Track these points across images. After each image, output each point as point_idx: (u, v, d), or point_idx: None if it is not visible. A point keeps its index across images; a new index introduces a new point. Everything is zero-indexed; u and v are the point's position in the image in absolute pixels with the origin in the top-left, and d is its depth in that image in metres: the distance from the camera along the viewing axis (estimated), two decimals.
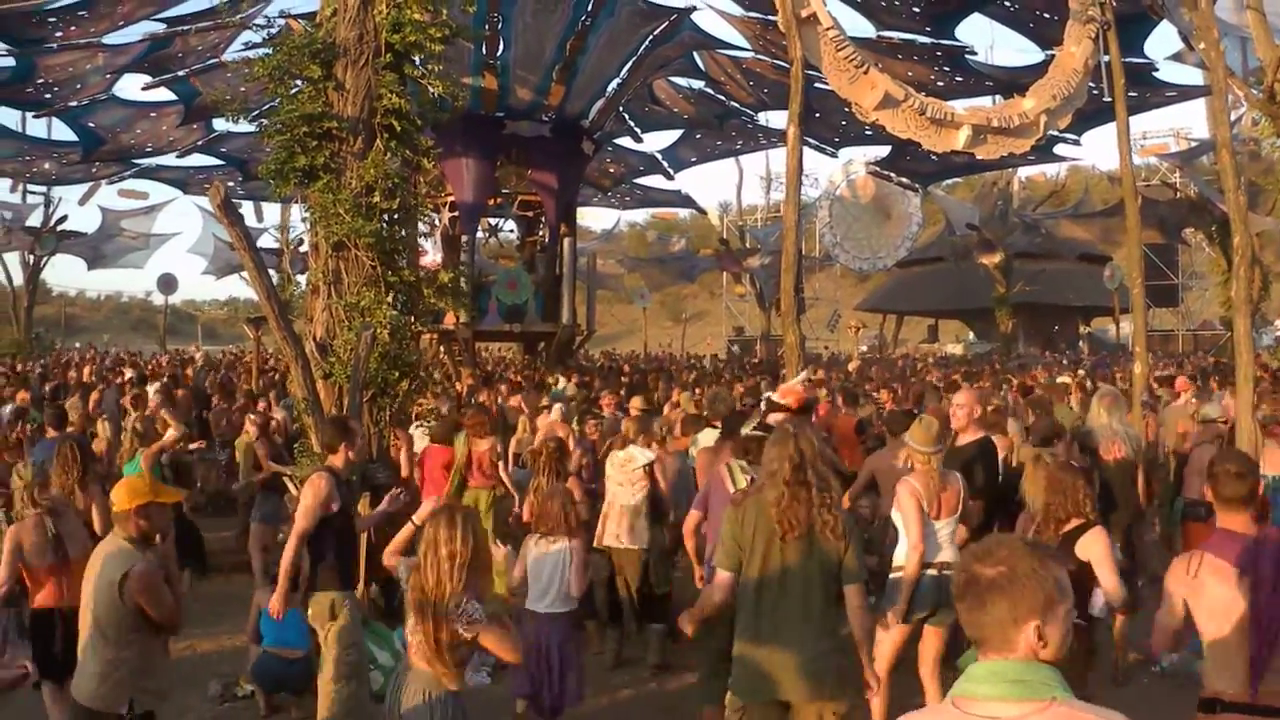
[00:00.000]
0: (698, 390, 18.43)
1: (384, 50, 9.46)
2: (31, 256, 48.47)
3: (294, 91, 9.55)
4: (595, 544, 9.17)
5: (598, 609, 9.63)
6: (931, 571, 6.91)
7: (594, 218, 60.44)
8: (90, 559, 5.42)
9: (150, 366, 30.84)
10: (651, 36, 26.71)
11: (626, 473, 9.24)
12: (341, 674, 6.66)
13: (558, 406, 12.64)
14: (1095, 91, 15.29)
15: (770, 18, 24.36)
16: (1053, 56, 22.21)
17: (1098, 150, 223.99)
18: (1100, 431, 9.55)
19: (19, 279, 50.75)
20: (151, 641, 5.34)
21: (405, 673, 4.73)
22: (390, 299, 9.40)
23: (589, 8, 25.12)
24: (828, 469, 5.30)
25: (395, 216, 9.55)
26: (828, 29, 12.30)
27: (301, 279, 12.40)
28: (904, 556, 7.03)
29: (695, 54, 29.21)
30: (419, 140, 9.72)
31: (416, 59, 9.70)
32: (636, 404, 12.28)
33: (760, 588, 5.19)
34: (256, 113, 11.92)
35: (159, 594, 5.23)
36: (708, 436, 9.62)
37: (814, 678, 5.09)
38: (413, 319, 9.87)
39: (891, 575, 7.17)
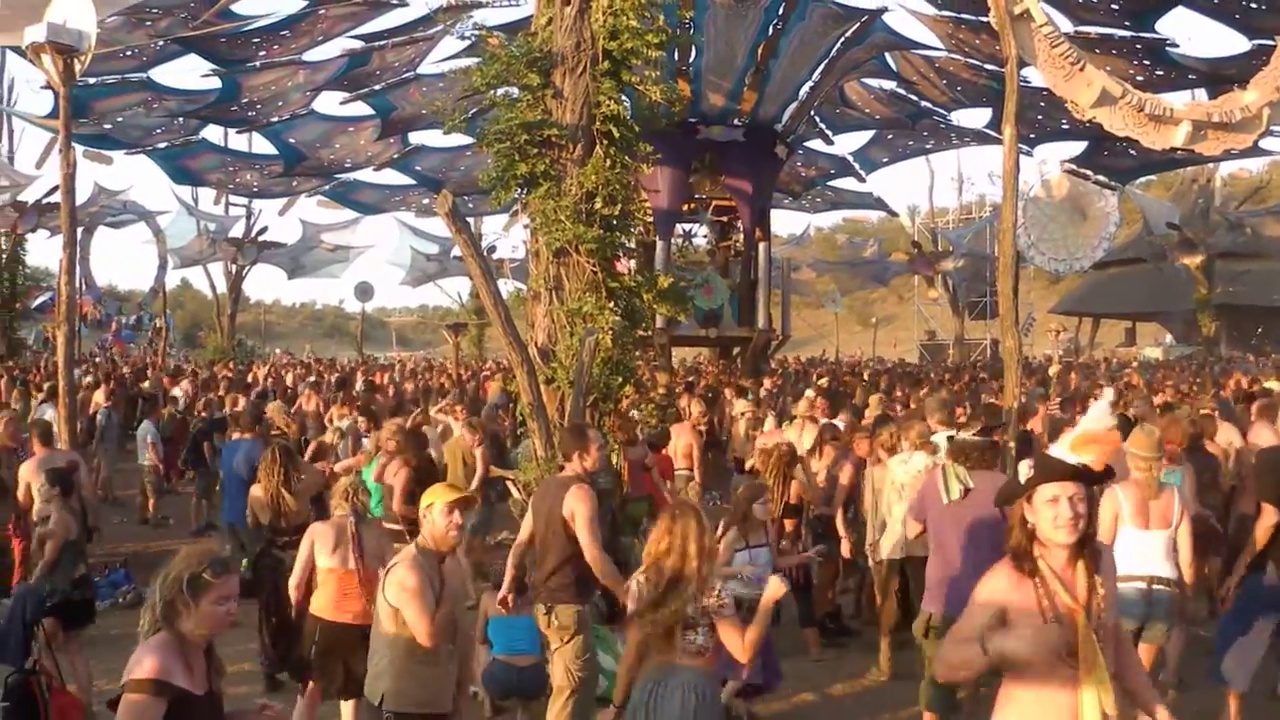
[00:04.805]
0: (899, 394, 18.21)
1: (601, 57, 9.54)
2: (234, 266, 50.50)
3: (513, 100, 9.71)
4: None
5: (818, 619, 9.54)
6: (1139, 584, 6.72)
7: (783, 222, 60.27)
8: None
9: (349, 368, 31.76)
10: (843, 39, 26.45)
11: (909, 476, 8.59)
12: (572, 684, 6.68)
13: (771, 415, 12.52)
14: None
15: (963, 16, 23.98)
16: (1260, 46, 21.34)
17: None
18: None
19: (222, 287, 53.10)
20: (415, 646, 5.08)
21: (661, 673, 4.73)
22: (611, 304, 9.45)
23: (779, 12, 25.01)
24: None
25: (614, 222, 9.61)
26: (1041, 25, 11.99)
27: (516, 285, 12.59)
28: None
29: (887, 54, 28.83)
30: (638, 146, 9.77)
31: (634, 65, 9.74)
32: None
33: None
34: (462, 121, 12.09)
35: (407, 599, 5.02)
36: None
37: None
38: (630, 324, 9.86)
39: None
